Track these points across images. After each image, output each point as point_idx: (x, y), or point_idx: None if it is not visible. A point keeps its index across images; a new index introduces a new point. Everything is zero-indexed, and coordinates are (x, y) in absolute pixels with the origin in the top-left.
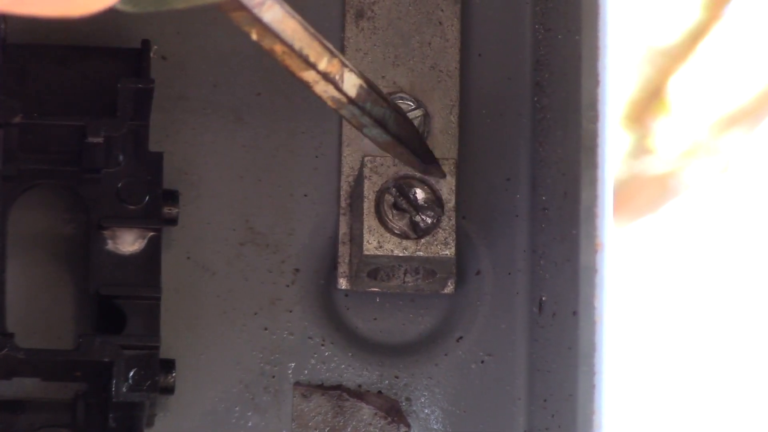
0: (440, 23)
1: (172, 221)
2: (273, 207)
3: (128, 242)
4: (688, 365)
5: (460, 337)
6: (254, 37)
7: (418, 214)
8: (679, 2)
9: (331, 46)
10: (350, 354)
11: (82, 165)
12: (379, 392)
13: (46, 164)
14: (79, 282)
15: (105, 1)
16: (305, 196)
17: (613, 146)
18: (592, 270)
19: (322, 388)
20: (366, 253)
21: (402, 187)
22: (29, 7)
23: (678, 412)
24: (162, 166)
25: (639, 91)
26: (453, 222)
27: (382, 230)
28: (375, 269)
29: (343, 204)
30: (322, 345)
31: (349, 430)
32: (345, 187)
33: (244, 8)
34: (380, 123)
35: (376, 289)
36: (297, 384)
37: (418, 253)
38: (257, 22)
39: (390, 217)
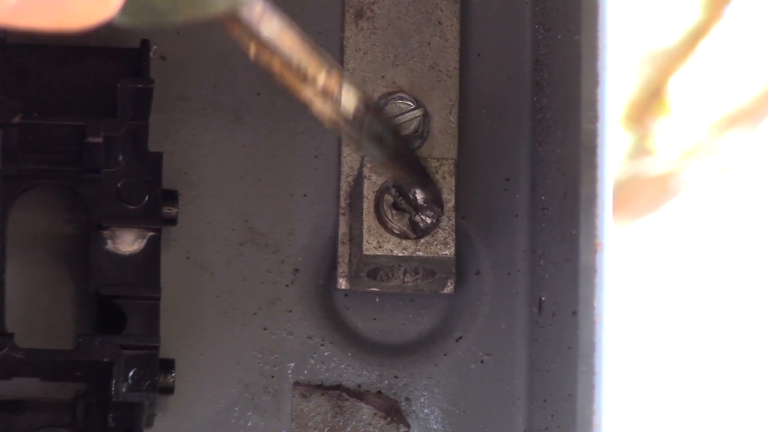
0: (440, 23)
1: (172, 221)
2: (273, 207)
3: (128, 242)
4: (688, 365)
5: (460, 337)
6: (252, 51)
7: (417, 214)
8: (679, 2)
9: (329, 61)
10: (350, 354)
11: (82, 165)
12: (379, 392)
13: (45, 164)
14: (79, 282)
15: (102, 15)
16: (305, 196)
17: (612, 146)
18: (592, 270)
19: (322, 388)
20: (365, 253)
21: (401, 187)
22: (27, 21)
23: (678, 412)
24: (162, 166)
25: (639, 91)
26: (453, 222)
27: (381, 230)
28: (374, 269)
29: (342, 204)
30: (322, 345)
31: (348, 430)
32: (345, 187)
33: (242, 23)
34: (378, 139)
35: (376, 289)
36: (296, 384)
37: (417, 253)
38: (255, 36)
39: (390, 217)
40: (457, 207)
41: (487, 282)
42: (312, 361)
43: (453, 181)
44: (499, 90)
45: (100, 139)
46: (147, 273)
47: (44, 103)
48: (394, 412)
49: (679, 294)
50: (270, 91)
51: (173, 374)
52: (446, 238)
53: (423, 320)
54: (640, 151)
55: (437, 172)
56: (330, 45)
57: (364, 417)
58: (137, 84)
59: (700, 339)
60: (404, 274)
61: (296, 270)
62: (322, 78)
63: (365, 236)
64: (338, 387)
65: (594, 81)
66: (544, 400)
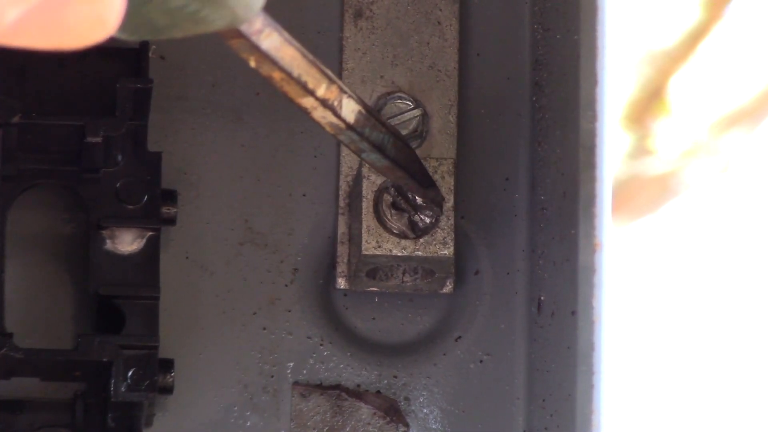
0: (439, 23)
1: (171, 221)
2: (272, 207)
3: (127, 242)
4: (688, 365)
5: (459, 337)
6: (252, 64)
7: (416, 213)
8: (679, 2)
9: (329, 73)
10: (349, 354)
11: (81, 165)
12: (378, 392)
13: (45, 164)
14: (78, 282)
15: (100, 34)
16: (304, 195)
17: (611, 146)
18: (591, 270)
19: (321, 387)
20: (365, 252)
21: (401, 186)
22: (24, 40)
23: (678, 412)
24: (161, 165)
25: (639, 91)
26: (452, 222)
27: (380, 230)
28: (374, 269)
29: (341, 204)
30: (321, 345)
31: (347, 429)
32: (344, 187)
33: (242, 36)
34: (379, 148)
35: (375, 289)
36: (296, 384)
37: (416, 252)
38: (255, 49)
39: (389, 216)
40: (456, 207)
41: (486, 282)
42: (311, 361)
43: (452, 181)
44: (498, 90)
45: (99, 139)
46: (146, 273)
47: (44, 103)
48: (393, 411)
49: (679, 294)
50: (269, 91)
51: (172, 374)
52: (445, 237)
53: (422, 320)
54: (639, 151)
55: (436, 172)
56: (329, 45)
57: (363, 417)
58: (136, 84)
59: (700, 339)
60: (403, 273)
61: (295, 270)
62: (322, 90)
63: (364, 236)
64: (337, 387)
65: (593, 81)
66: (544, 400)
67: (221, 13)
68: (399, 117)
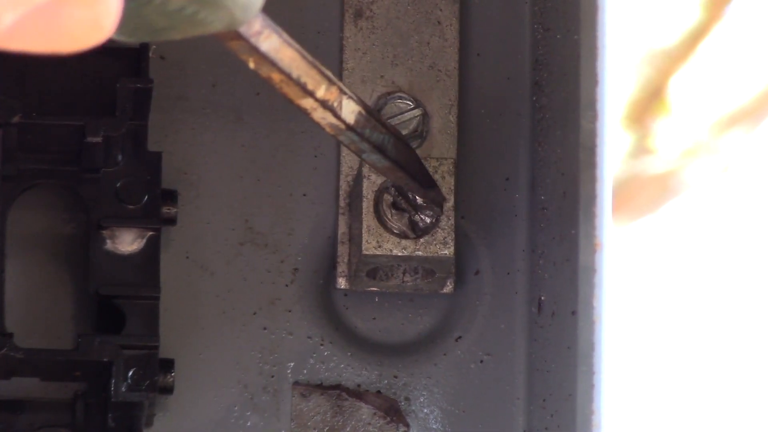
0: (439, 23)
1: (171, 221)
2: (272, 207)
3: (127, 242)
4: (688, 365)
5: (459, 337)
6: (252, 65)
7: (417, 213)
8: (679, 2)
9: (329, 74)
10: (349, 354)
11: (82, 165)
12: (378, 392)
13: (45, 164)
14: (79, 282)
15: (97, 38)
16: (304, 195)
17: (612, 146)
18: (591, 270)
19: (321, 387)
20: (365, 252)
21: (401, 186)
22: (21, 44)
23: (678, 412)
24: (161, 165)
25: (639, 91)
26: (452, 222)
27: (381, 230)
28: (374, 269)
29: (342, 203)
30: (321, 345)
31: (348, 429)
32: (344, 187)
33: (241, 38)
34: (379, 148)
35: (375, 289)
36: (296, 383)
37: (417, 252)
38: (255, 51)
39: (389, 216)
40: (457, 207)
41: (486, 282)
42: (311, 361)
43: (452, 181)
44: (498, 90)
45: (99, 139)
46: (146, 273)
47: (44, 102)
48: (393, 411)
49: (679, 294)
50: (269, 91)
51: (173, 374)
52: (446, 237)
53: (422, 320)
54: (640, 150)
55: (437, 171)
56: (329, 45)
57: (364, 417)
58: (136, 84)
59: (700, 339)
60: (404, 273)
61: (296, 270)
62: (322, 91)
63: (365, 236)
64: (338, 387)
65: (593, 81)
66: (544, 400)
67: (219, 16)
68: (399, 117)
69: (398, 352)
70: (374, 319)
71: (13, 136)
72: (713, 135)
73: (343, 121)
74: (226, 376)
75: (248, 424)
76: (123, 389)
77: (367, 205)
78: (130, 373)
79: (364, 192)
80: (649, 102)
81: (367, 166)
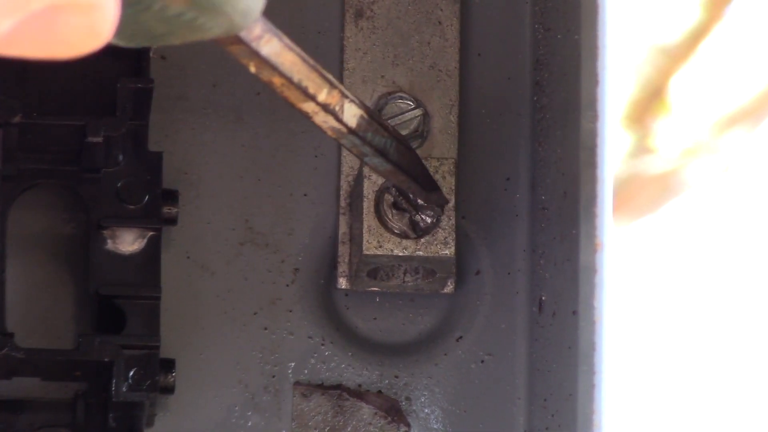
0: (439, 23)
1: (172, 221)
2: (273, 207)
3: (128, 242)
4: (688, 365)
5: (460, 337)
6: (252, 69)
7: (417, 213)
8: (680, 2)
9: (331, 77)
10: (350, 353)
11: (82, 164)
12: (379, 392)
13: (45, 164)
14: (79, 282)
15: (94, 44)
16: (305, 195)
17: (612, 145)
18: (592, 270)
19: (322, 387)
20: (366, 252)
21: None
22: (18, 50)
23: (678, 412)
24: (161, 165)
25: (640, 91)
26: (453, 221)
27: (381, 230)
28: (375, 269)
29: (342, 203)
30: (322, 344)
31: (349, 429)
32: (345, 187)
33: (241, 42)
34: (381, 152)
35: (376, 289)
36: (297, 383)
37: (417, 252)
38: (255, 55)
39: (390, 216)
40: (457, 207)
41: (487, 282)
42: (312, 361)
43: (453, 181)
44: (498, 90)
45: (100, 139)
46: (147, 273)
47: (44, 102)
48: (394, 411)
49: (680, 294)
50: (270, 91)
51: (173, 374)
52: (446, 237)
53: (423, 320)
54: (640, 150)
55: (437, 171)
56: (330, 45)
57: (365, 417)
58: (137, 84)
59: (700, 339)
60: (404, 273)
61: (296, 270)
62: (323, 95)
63: (365, 236)
64: (339, 387)
65: (594, 80)
66: (545, 400)
67: (218, 21)
68: (400, 117)
69: (399, 352)
70: (375, 319)
71: (13, 136)
72: (714, 135)
73: (345, 125)
74: (227, 376)
75: (249, 424)
76: (124, 389)
77: (367, 205)
78: (131, 373)
79: (365, 192)
80: (650, 102)
81: (367, 166)
